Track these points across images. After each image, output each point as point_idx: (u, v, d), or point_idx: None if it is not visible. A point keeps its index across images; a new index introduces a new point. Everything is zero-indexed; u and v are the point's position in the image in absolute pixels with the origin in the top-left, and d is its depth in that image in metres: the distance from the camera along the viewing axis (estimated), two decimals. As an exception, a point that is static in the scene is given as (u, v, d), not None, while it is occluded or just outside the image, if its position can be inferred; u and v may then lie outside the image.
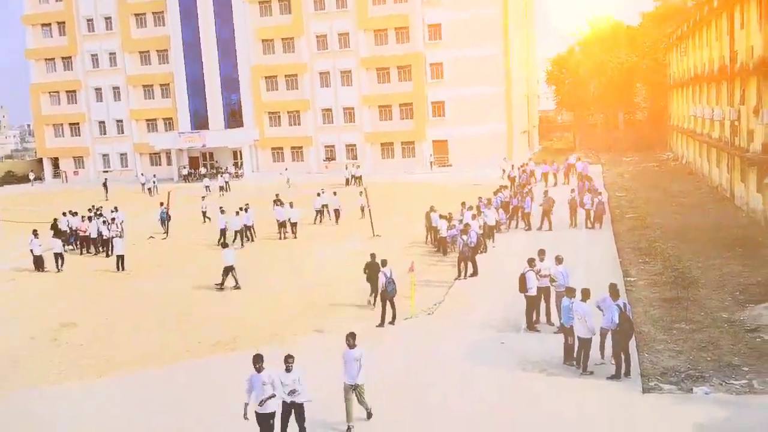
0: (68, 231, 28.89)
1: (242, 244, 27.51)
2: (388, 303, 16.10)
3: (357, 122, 56.39)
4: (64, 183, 62.77)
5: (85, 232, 28.29)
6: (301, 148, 58.45)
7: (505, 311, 16.86)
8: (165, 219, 31.27)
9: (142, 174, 55.46)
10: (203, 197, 37.10)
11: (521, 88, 58.97)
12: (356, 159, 56.14)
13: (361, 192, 32.23)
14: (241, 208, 28.75)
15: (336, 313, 17.66)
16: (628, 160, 52.27)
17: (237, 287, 20.44)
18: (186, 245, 28.91)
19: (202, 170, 59.77)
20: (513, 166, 39.04)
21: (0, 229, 34.89)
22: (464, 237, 20.21)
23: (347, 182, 46.88)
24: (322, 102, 56.87)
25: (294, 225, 28.96)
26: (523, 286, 15.25)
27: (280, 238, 28.74)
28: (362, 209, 31.75)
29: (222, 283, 20.58)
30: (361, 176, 47.52)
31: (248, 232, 28.11)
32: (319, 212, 32.41)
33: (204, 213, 33.43)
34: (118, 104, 62.21)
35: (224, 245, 24.11)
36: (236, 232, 27.59)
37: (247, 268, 23.84)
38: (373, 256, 18.44)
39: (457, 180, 46.01)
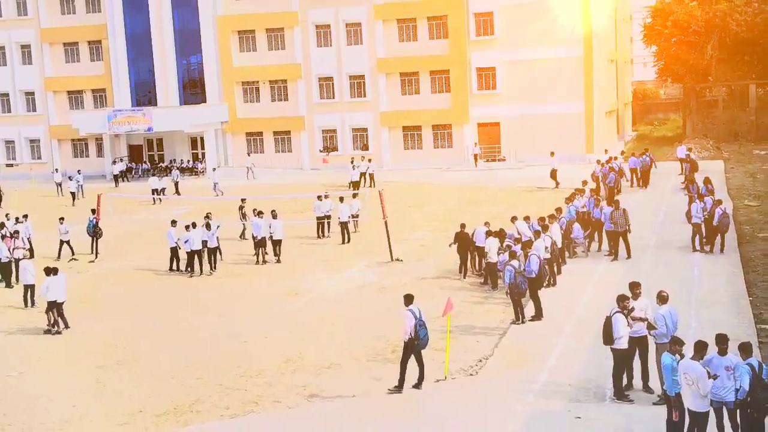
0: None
1: (202, 270, 27.67)
2: (415, 357, 16.08)
3: (369, 97, 56.73)
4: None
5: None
6: (288, 133, 58.88)
7: (582, 371, 16.77)
8: (93, 233, 31.60)
9: (56, 170, 56.09)
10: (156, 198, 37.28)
11: (607, 49, 58.96)
12: (367, 150, 56.37)
13: (356, 194, 33.64)
14: (206, 218, 29.00)
15: (333, 375, 17.65)
16: (763, 153, 51.95)
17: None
18: (122, 272, 29.14)
19: (144, 165, 60.38)
20: (602, 162, 38.97)
21: None
22: (515, 264, 20.17)
23: (354, 183, 46.89)
24: (319, 68, 57.34)
25: (277, 244, 29.15)
26: (609, 335, 15.12)
27: (258, 262, 28.94)
28: (352, 219, 32.44)
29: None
30: (373, 174, 47.68)
31: (212, 255, 28.27)
32: (321, 224, 32.85)
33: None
34: (27, 69, 63.20)
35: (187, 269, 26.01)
36: (193, 253, 27.72)
37: (208, 305, 23.98)
38: (462, 226, 23.82)
39: (514, 181, 46.00)
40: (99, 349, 20.37)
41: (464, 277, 25.25)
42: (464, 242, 24.92)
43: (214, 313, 23.20)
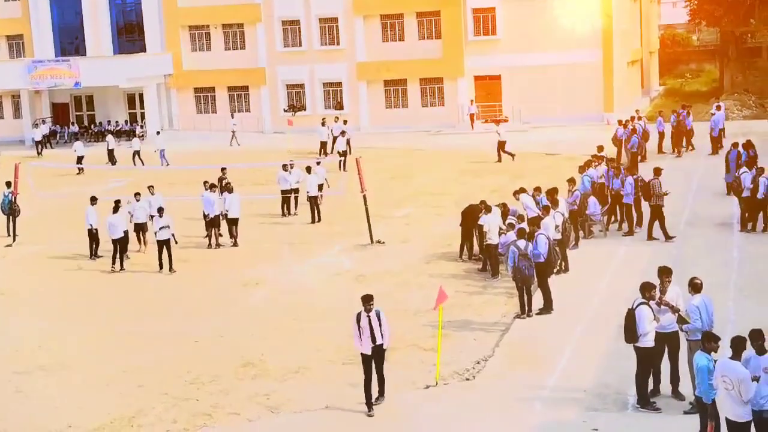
0: None
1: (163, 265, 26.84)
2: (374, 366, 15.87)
3: (343, 45, 56.65)
4: None
5: None
6: (246, 89, 58.74)
7: (599, 374, 16.87)
8: (9, 212, 31.39)
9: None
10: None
11: (629, -15, 58.98)
12: (342, 109, 56.28)
13: (319, 162, 33.86)
14: (137, 194, 28.87)
15: (300, 381, 17.69)
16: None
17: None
18: (45, 258, 29.01)
19: (72, 128, 60.00)
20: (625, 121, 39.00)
21: None
22: (521, 244, 20.23)
23: (324, 147, 46.86)
24: (282, 9, 57.30)
25: (233, 223, 29.08)
26: (632, 331, 15.20)
27: (210, 246, 28.94)
28: (319, 189, 32.58)
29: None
30: (349, 138, 47.58)
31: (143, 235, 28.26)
32: (287, 198, 32.85)
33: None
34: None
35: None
36: (118, 240, 27.02)
37: (149, 299, 23.93)
38: (483, 203, 23.88)
39: (518, 145, 46.05)
40: (18, 351, 20.29)
41: (469, 258, 25.40)
42: (472, 219, 24.92)
43: (156, 308, 23.19)
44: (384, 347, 15.74)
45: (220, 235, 29.36)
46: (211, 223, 29.11)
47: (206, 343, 20.10)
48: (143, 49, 59.23)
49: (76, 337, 21.14)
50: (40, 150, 54.12)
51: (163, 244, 26.24)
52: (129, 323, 21.90)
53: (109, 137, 50.88)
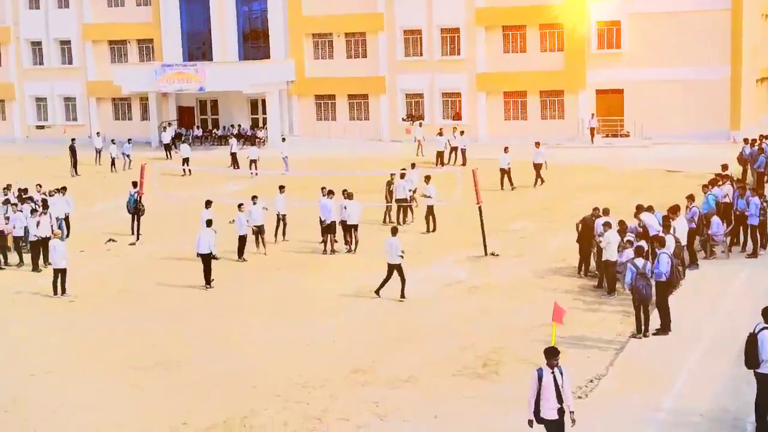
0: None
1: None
2: None
3: (464, 55, 56.57)
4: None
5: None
6: (365, 97, 59.20)
7: (716, 399, 16.53)
8: (135, 211, 32.38)
9: (97, 134, 57.22)
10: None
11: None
12: (460, 119, 56.20)
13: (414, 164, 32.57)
14: (254, 197, 29.30)
15: (410, 390, 17.69)
16: None
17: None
18: (165, 258, 29.84)
19: (196, 131, 61.32)
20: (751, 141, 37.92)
21: None
22: (639, 263, 19.85)
23: (440, 158, 47.04)
24: (405, 18, 57.46)
25: (351, 230, 29.46)
26: (753, 356, 14.79)
27: (325, 251, 29.50)
28: (411, 201, 32.93)
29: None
30: (465, 149, 47.53)
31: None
32: (401, 207, 33.08)
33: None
34: (63, 14, 64.76)
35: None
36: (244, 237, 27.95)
37: (263, 302, 24.33)
38: (597, 211, 24.62)
39: (638, 161, 45.29)
40: (134, 348, 20.85)
41: (585, 274, 25.20)
42: (589, 232, 24.67)
43: (270, 311, 23.54)
44: (571, 410, 13.51)
45: (336, 241, 29.70)
46: (327, 230, 29.48)
47: (318, 348, 20.31)
48: (267, 56, 60.08)
49: (191, 336, 21.62)
50: (168, 153, 54.58)
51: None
52: (242, 323, 22.34)
53: (232, 141, 51.70)
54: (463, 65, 56.48)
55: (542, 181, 39.85)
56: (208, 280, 25.89)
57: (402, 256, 23.55)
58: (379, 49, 58.01)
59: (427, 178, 32.60)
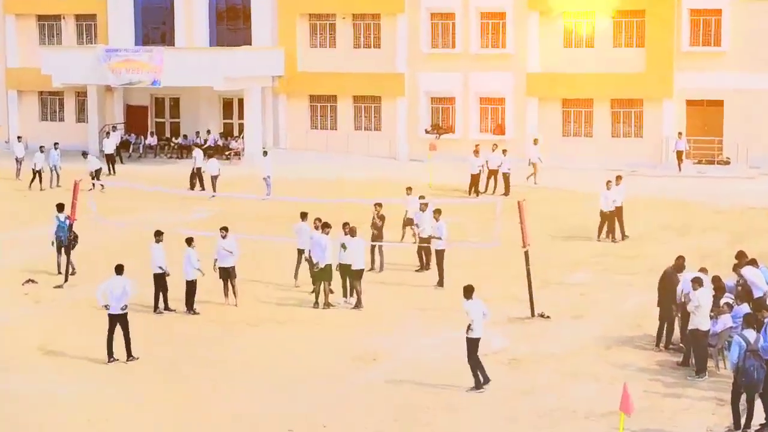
0: None
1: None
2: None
3: (510, 49, 56.73)
4: None
5: None
6: (377, 100, 59.36)
7: None
8: (65, 242, 32.32)
9: (18, 138, 57.56)
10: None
11: None
12: (503, 134, 56.17)
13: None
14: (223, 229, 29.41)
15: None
16: None
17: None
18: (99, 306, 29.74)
19: (150, 139, 61.25)
20: None
21: None
22: (750, 336, 19.76)
23: (474, 184, 47.08)
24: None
25: (356, 276, 29.47)
26: None
27: (317, 304, 29.35)
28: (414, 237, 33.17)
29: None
30: (508, 173, 47.53)
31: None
32: (424, 249, 33.11)
33: None
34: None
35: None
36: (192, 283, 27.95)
37: (235, 370, 24.25)
38: (682, 261, 24.94)
39: (741, 197, 45.19)
40: None
41: (666, 347, 25.09)
42: (672, 290, 24.57)
43: (246, 381, 23.44)
44: None
45: (332, 291, 29.61)
46: (321, 275, 29.37)
47: (302, 433, 20.27)
48: (248, 42, 60.13)
49: (144, 411, 21.60)
50: (112, 167, 54.76)
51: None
52: (207, 396, 22.31)
53: (197, 153, 51.17)
54: (508, 62, 56.57)
55: (623, 236, 38.19)
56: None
57: None
58: (397, 36, 58.11)
59: (437, 213, 32.55)
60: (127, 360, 24.68)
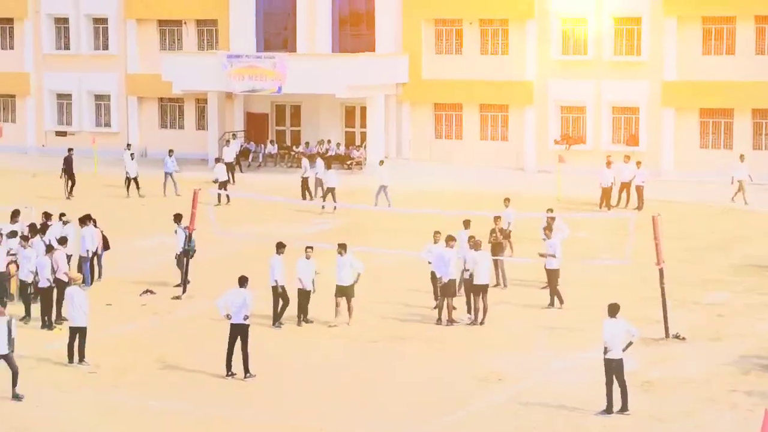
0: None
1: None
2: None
3: (645, 55, 56.25)
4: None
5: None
6: (504, 109, 59.23)
7: None
8: (186, 252, 32.76)
9: (128, 146, 57.17)
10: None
11: None
12: (636, 145, 55.56)
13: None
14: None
15: None
16: None
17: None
18: (220, 320, 29.90)
19: (270, 147, 61.63)
20: None
21: None
22: None
23: (606, 198, 46.71)
24: (562, 1, 57.35)
25: (479, 292, 29.32)
26: None
27: (440, 320, 29.31)
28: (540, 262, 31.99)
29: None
30: (642, 186, 47.00)
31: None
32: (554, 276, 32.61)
33: None
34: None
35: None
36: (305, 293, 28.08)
37: (347, 384, 24.27)
38: None
39: None
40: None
41: None
42: None
43: (369, 400, 23.49)
44: None
45: (454, 308, 29.46)
46: (446, 291, 29.28)
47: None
48: (372, 48, 60.33)
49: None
50: (232, 175, 54.61)
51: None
52: (316, 417, 22.31)
53: (319, 163, 51.21)
54: (643, 69, 56.12)
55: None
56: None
57: None
58: (526, 43, 57.95)
59: (548, 230, 32.32)
60: (245, 377, 24.70)
